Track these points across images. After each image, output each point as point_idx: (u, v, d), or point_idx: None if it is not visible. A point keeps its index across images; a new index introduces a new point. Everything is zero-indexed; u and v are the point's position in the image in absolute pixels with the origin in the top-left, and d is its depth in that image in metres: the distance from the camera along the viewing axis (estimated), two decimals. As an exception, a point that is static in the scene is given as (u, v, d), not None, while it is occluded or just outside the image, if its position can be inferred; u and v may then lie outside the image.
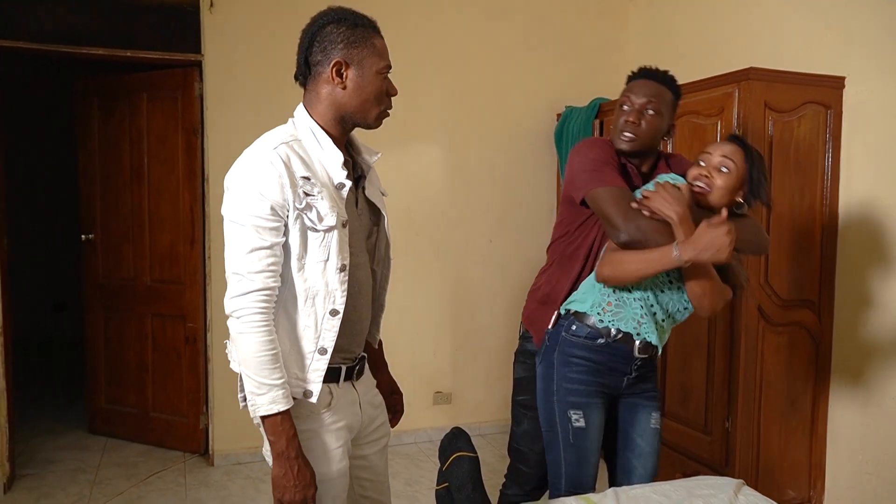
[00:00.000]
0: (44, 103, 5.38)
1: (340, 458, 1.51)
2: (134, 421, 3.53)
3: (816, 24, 2.80)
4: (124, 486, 3.10)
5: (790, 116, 2.64)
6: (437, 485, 2.08)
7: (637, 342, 1.79)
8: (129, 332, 3.55)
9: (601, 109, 3.45)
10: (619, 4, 3.97)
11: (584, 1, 3.90)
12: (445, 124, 3.66)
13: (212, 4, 3.20)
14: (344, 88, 1.53)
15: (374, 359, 1.78)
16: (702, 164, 1.74)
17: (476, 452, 2.02)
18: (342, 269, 1.45)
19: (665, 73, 1.93)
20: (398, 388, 1.90)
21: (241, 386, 1.49)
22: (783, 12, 2.95)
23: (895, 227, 2.55)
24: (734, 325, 2.66)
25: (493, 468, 3.26)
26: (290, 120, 1.60)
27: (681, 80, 3.01)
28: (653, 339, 1.79)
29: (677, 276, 1.76)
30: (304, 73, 1.59)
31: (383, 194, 1.69)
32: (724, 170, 1.71)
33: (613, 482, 1.99)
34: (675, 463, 2.93)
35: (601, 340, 1.80)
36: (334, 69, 1.52)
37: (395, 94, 1.60)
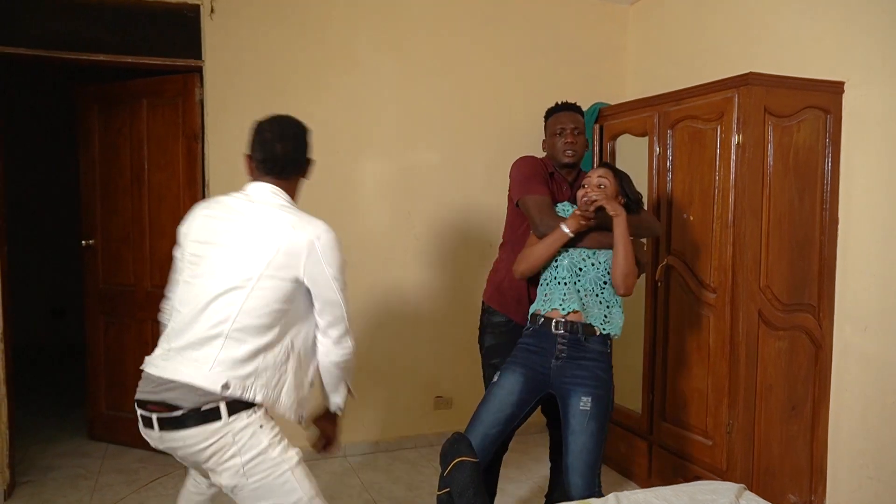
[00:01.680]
0: (45, 109, 5.39)
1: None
2: (134, 427, 3.50)
3: (815, 28, 2.82)
4: (125, 492, 3.10)
5: (790, 121, 2.65)
6: (439, 490, 2.08)
7: (553, 322, 2.19)
8: (129, 337, 3.54)
9: (601, 114, 3.46)
10: (619, 10, 3.98)
11: (585, 6, 3.91)
12: (445, 129, 3.67)
13: (212, 11, 3.21)
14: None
15: None
16: (585, 185, 2.24)
17: (477, 457, 2.02)
18: None
19: (575, 104, 2.55)
20: None
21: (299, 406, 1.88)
22: (782, 17, 2.97)
23: (895, 230, 2.56)
24: (734, 329, 2.67)
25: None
26: (284, 200, 1.89)
27: (680, 85, 3.05)
28: (574, 306, 2.17)
29: (596, 259, 2.23)
30: (285, 166, 1.89)
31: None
32: (602, 186, 2.23)
33: (553, 457, 2.63)
34: (676, 467, 2.94)
35: (531, 327, 2.28)
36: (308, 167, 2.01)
37: None
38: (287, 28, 3.36)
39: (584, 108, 3.59)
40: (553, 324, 2.20)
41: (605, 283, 2.23)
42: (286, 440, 1.82)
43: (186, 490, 2.08)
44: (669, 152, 2.96)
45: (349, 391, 2.06)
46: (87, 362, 3.65)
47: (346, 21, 3.45)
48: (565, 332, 2.18)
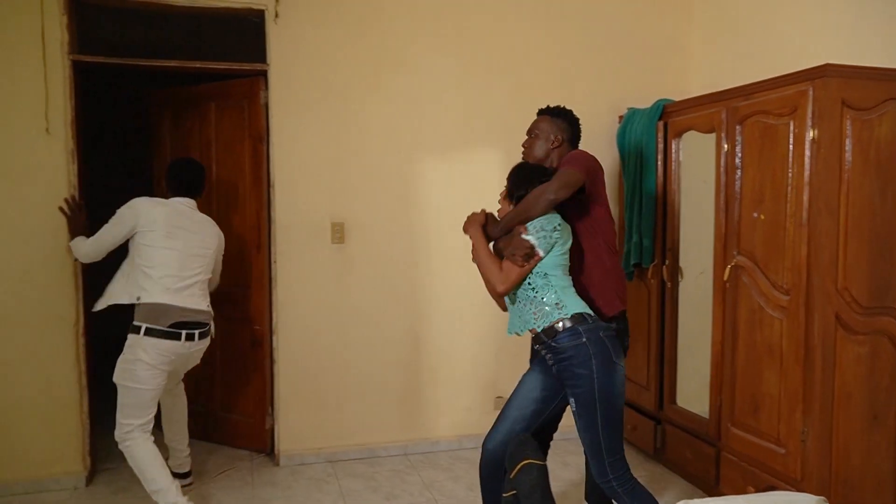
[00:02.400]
0: (121, 113, 5.63)
1: None
2: (202, 420, 3.64)
3: (899, 16, 2.66)
4: (195, 483, 3.20)
5: (870, 114, 2.51)
6: (505, 492, 2.06)
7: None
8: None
9: (665, 111, 3.37)
10: (683, 3, 3.87)
11: (647, 0, 3.82)
12: (505, 127, 3.64)
13: (277, 15, 3.28)
14: None
15: None
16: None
17: (544, 460, 1.99)
18: None
19: (546, 107, 2.68)
20: None
21: None
22: (861, 5, 2.82)
23: None
24: (809, 333, 2.55)
25: (557, 476, 3.22)
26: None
27: (749, 79, 2.94)
28: (517, 325, 2.33)
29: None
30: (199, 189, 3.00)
31: None
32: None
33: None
34: (745, 475, 2.83)
35: None
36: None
37: None
38: (348, 30, 3.41)
39: (647, 106, 3.56)
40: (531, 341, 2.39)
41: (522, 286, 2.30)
42: None
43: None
44: (738, 149, 2.86)
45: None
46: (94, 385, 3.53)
47: (405, 22, 3.48)
48: (536, 344, 2.34)
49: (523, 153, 2.61)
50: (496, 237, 2.37)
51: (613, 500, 2.29)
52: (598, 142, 3.79)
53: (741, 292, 2.88)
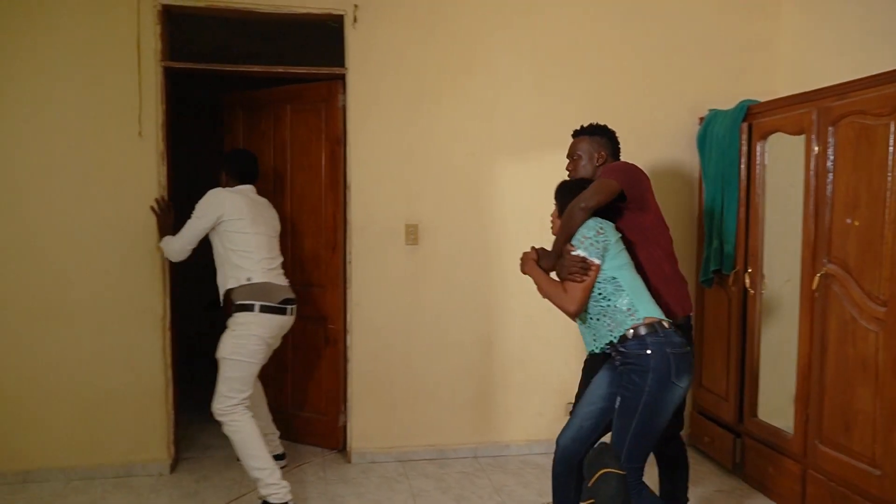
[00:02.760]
0: (206, 116, 5.87)
1: None
2: (273, 417, 3.69)
3: None
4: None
5: (981, 115, 2.34)
6: (582, 500, 2.03)
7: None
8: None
9: (750, 112, 3.24)
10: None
11: (731, -3, 3.69)
12: (580, 130, 3.58)
13: (355, 20, 3.35)
14: None
15: None
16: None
17: (624, 470, 1.95)
18: None
19: (581, 127, 2.70)
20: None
21: None
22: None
23: None
24: (909, 347, 2.40)
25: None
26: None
27: (842, 78, 2.79)
28: (590, 343, 2.38)
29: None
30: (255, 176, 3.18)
31: None
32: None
33: (661, 469, 2.71)
34: (835, 496, 2.69)
35: None
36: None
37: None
38: (424, 34, 3.44)
39: (730, 107, 3.43)
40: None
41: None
42: None
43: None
44: (830, 151, 2.71)
45: None
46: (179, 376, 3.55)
47: (482, 25, 3.48)
48: (610, 354, 2.33)
49: (569, 175, 2.66)
50: (552, 267, 2.37)
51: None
52: (677, 144, 3.70)
53: (831, 302, 2.73)
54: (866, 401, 2.57)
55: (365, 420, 3.53)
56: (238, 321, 2.89)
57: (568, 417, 3.83)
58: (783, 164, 3.13)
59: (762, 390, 3.24)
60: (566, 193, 2.43)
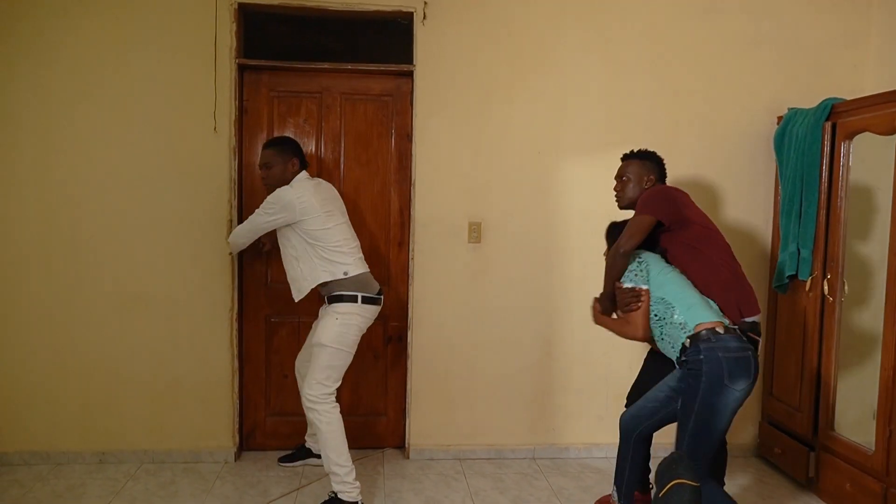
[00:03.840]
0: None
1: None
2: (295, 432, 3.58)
3: None
4: (321, 472, 3.33)
5: None
6: None
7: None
8: (302, 338, 3.44)
9: (834, 110, 3.09)
10: (859, -7, 3.53)
11: (814, -9, 3.52)
12: (650, 130, 3.50)
13: (425, 17, 3.35)
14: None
15: None
16: None
17: (699, 481, 1.88)
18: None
19: (632, 151, 2.77)
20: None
21: None
22: None
23: None
24: None
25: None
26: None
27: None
28: (668, 351, 2.50)
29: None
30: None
31: None
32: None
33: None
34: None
35: None
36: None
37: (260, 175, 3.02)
38: (492, 31, 3.41)
39: (810, 105, 3.28)
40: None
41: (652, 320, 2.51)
42: None
43: None
44: (925, 154, 2.56)
45: None
46: (244, 367, 3.54)
47: (551, 21, 3.43)
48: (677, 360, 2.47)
49: (617, 196, 2.76)
50: (609, 309, 2.63)
51: None
52: (753, 145, 3.56)
53: (921, 313, 2.58)
54: (958, 419, 2.42)
55: (424, 417, 3.53)
56: (341, 311, 2.86)
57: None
58: (869, 165, 2.97)
59: (840, 403, 3.09)
60: (616, 235, 2.60)
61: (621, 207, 2.76)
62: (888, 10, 3.45)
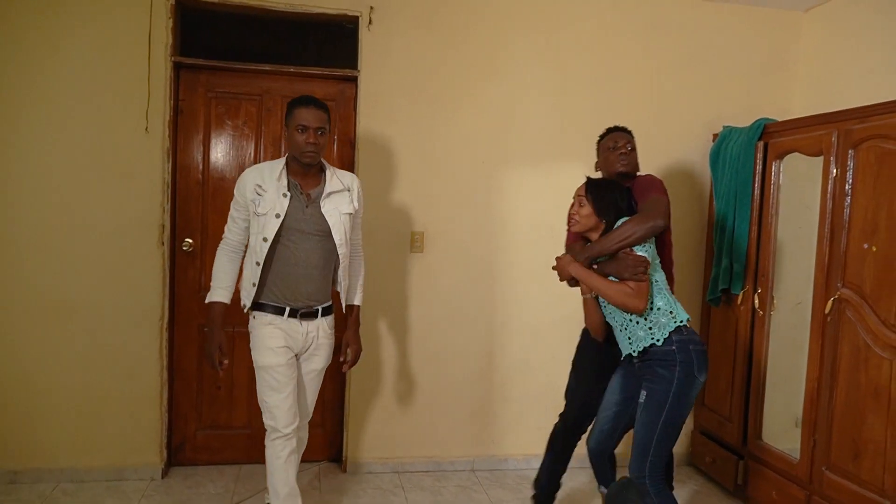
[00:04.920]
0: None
1: (274, 356, 2.44)
2: (245, 441, 3.47)
3: None
4: (265, 484, 3.22)
5: None
6: None
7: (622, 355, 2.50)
8: (243, 346, 3.25)
9: (766, 130, 3.20)
10: (791, 18, 3.69)
11: (752, 14, 3.65)
12: (594, 142, 3.54)
13: (370, 22, 3.29)
14: (286, 140, 2.55)
15: (349, 318, 2.73)
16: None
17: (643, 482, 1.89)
18: (265, 240, 2.40)
19: (626, 127, 2.79)
20: (356, 342, 2.72)
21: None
22: None
23: None
24: (925, 377, 2.36)
25: None
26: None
27: (862, 101, 2.76)
28: (626, 349, 2.42)
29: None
30: None
31: (346, 213, 2.53)
32: (573, 220, 2.46)
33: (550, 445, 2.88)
34: (843, 525, 2.64)
35: None
36: (282, 130, 2.68)
37: (308, 140, 2.40)
38: (439, 39, 3.39)
39: (745, 124, 3.40)
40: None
41: (610, 311, 2.44)
42: (267, 346, 2.47)
43: None
44: (849, 175, 2.68)
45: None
46: (174, 378, 3.36)
47: (498, 31, 3.44)
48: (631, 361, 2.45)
49: (626, 162, 2.68)
50: (592, 264, 2.45)
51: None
52: (690, 160, 3.66)
53: (844, 328, 2.70)
54: (877, 429, 2.53)
55: (362, 429, 3.46)
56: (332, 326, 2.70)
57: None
58: (799, 184, 3.09)
59: (767, 413, 3.20)
60: (609, 202, 2.42)
61: (621, 171, 2.67)
62: (817, 37, 3.62)
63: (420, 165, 3.42)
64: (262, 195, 2.41)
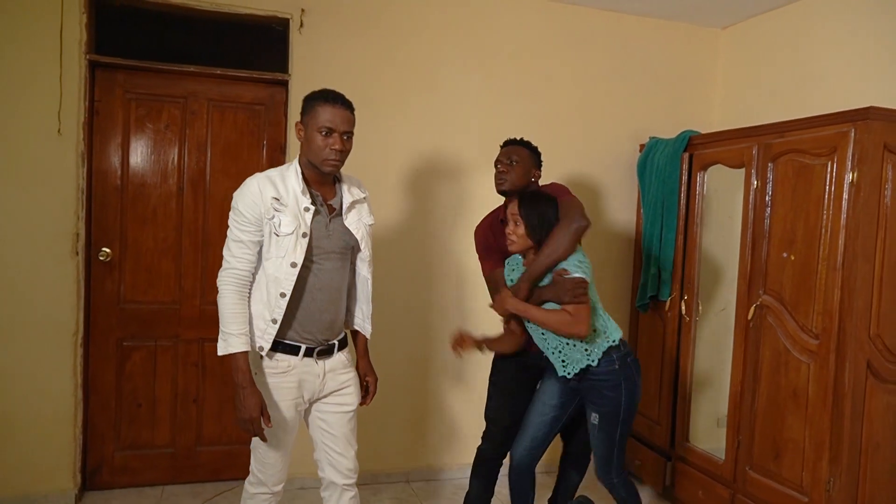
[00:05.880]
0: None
1: (283, 412, 2.06)
2: (168, 461, 3.33)
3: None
4: (190, 503, 3.08)
5: (910, 160, 2.47)
6: None
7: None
8: (166, 360, 3.27)
9: (691, 142, 3.32)
10: (710, 34, 3.84)
11: (673, 30, 3.78)
12: (526, 151, 3.58)
13: (302, 25, 3.20)
14: (302, 142, 2.08)
15: (358, 347, 2.34)
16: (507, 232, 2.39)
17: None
18: (293, 265, 1.99)
19: (520, 139, 2.63)
20: (373, 373, 2.36)
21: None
22: (900, 48, 2.79)
23: None
24: (839, 380, 2.49)
25: None
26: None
27: (775, 117, 2.92)
28: (560, 371, 2.39)
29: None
30: None
31: (369, 224, 2.23)
32: (511, 240, 2.36)
33: (562, 465, 2.87)
34: (765, 523, 2.75)
35: None
36: (296, 127, 2.10)
37: (338, 148, 2.02)
38: (373, 46, 3.34)
39: (670, 136, 3.51)
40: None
41: (542, 334, 2.41)
42: (276, 400, 2.08)
43: None
44: (769, 187, 2.80)
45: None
46: (90, 397, 3.18)
47: (430, 40, 3.41)
48: (568, 381, 2.43)
49: (501, 178, 2.51)
50: (528, 295, 2.34)
51: (612, 493, 2.53)
52: (618, 169, 3.75)
53: (766, 333, 2.82)
54: (796, 430, 2.66)
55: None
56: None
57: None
58: (722, 195, 3.22)
59: (694, 416, 3.31)
60: (539, 207, 2.30)
61: (503, 190, 2.53)
62: (732, 53, 3.79)
63: (354, 173, 3.32)
64: (281, 211, 1.99)
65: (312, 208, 2.03)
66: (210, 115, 3.28)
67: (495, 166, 2.56)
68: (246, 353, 1.97)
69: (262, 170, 3.29)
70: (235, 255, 2.01)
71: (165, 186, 3.25)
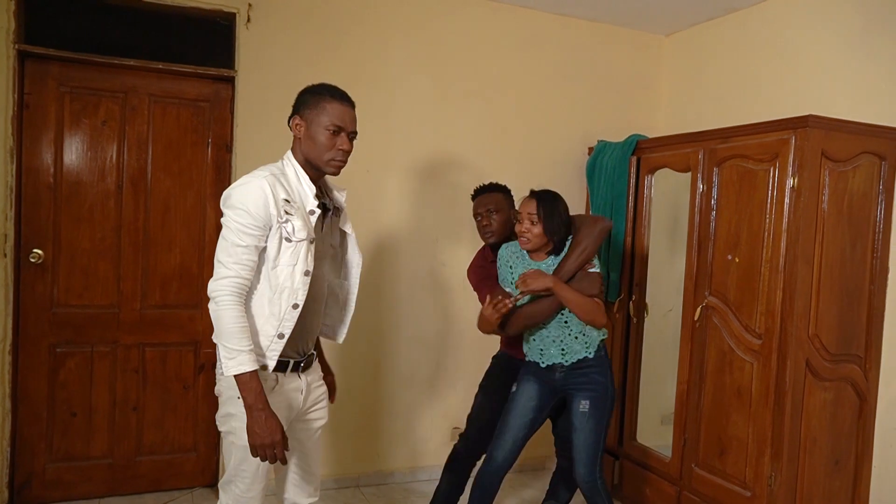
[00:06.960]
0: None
1: None
2: (105, 472, 3.18)
3: (872, 72, 2.76)
4: (129, 518, 2.95)
5: (845, 167, 2.58)
6: None
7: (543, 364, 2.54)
8: (103, 367, 3.13)
9: (639, 146, 3.38)
10: (654, 41, 3.93)
11: (619, 35, 3.85)
12: (476, 151, 3.58)
13: (249, 20, 3.11)
14: (301, 139, 1.93)
15: (316, 346, 2.14)
16: (516, 227, 2.47)
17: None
18: (306, 273, 1.85)
19: (493, 184, 2.74)
20: (331, 371, 2.25)
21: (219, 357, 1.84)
22: (837, 59, 2.91)
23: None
24: (780, 378, 2.58)
25: None
26: (281, 159, 1.98)
27: (716, 122, 3.01)
28: (556, 360, 2.50)
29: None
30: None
31: (347, 231, 2.12)
32: (526, 236, 2.43)
33: (559, 454, 3.02)
34: (711, 518, 2.83)
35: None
36: (293, 122, 1.95)
37: (346, 148, 1.92)
38: (322, 41, 3.27)
39: (618, 139, 3.57)
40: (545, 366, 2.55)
41: (565, 322, 2.49)
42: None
43: None
44: (714, 191, 2.88)
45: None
46: (19, 406, 3.00)
47: (380, 38, 3.37)
48: (556, 371, 2.54)
49: (487, 229, 2.67)
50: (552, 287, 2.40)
51: (593, 497, 2.55)
52: (567, 172, 3.79)
53: (711, 333, 2.89)
54: (740, 427, 2.74)
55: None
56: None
57: (454, 442, 3.82)
58: (670, 198, 3.29)
59: (641, 415, 3.37)
60: (557, 208, 2.42)
61: (498, 241, 2.65)
62: (675, 60, 3.88)
63: (303, 172, 3.27)
64: (292, 214, 1.83)
65: (318, 212, 1.90)
66: (151, 111, 3.15)
67: (475, 218, 2.71)
68: (256, 371, 1.75)
69: (207, 169, 3.25)
70: (239, 262, 1.77)
71: (103, 185, 3.10)
